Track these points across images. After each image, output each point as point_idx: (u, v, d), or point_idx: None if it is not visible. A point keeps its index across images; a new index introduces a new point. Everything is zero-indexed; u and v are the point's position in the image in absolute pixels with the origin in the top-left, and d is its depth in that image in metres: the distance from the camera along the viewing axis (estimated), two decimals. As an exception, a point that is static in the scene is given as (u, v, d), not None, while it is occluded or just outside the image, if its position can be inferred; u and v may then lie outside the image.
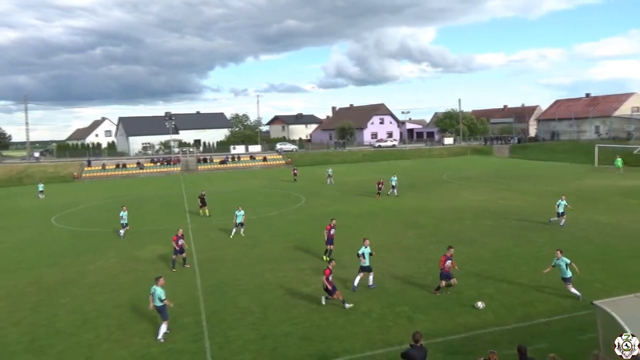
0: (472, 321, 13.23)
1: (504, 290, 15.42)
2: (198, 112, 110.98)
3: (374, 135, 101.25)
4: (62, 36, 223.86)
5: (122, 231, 25.92)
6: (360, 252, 16.11)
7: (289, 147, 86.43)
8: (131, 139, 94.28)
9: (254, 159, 76.36)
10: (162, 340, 12.68)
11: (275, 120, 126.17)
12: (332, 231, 19.89)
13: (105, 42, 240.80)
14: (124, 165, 70.36)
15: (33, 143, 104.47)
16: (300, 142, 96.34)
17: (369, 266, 16.07)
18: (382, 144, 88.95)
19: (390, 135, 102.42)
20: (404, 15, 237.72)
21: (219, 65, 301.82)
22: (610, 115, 74.44)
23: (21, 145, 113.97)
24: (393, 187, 36.04)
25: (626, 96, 78.45)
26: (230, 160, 74.84)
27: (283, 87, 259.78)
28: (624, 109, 75.18)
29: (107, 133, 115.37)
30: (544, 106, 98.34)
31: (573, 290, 14.31)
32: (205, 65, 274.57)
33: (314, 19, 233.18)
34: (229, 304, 15.16)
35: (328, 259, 17.59)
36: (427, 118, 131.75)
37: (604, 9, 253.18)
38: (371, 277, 16.23)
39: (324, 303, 14.73)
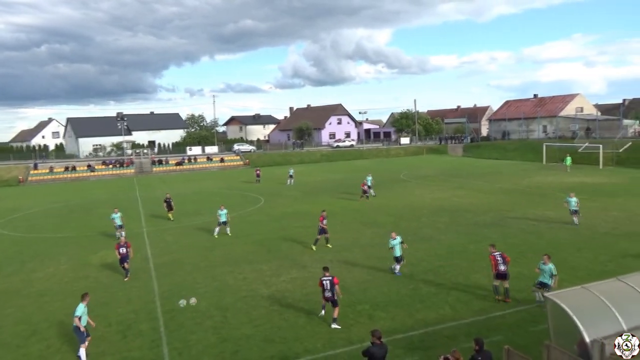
0: (430, 317, 13.51)
1: (460, 285, 15.84)
2: (152, 113, 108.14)
3: (332, 136, 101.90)
4: (4, 33, 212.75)
5: (117, 233, 24.19)
6: (390, 245, 17.18)
7: (246, 147, 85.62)
8: (81, 140, 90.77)
9: (211, 160, 75.15)
10: None
11: (232, 120, 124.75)
12: (325, 222, 21.41)
13: (52, 39, 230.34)
14: (74, 168, 67.61)
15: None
16: (258, 143, 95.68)
17: (401, 256, 17.20)
18: (340, 144, 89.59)
19: (348, 135, 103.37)
20: (361, 16, 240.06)
21: (173, 65, 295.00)
22: (557, 115, 77.91)
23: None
24: (369, 187, 35.59)
25: (571, 97, 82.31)
26: (186, 161, 73.35)
27: (240, 87, 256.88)
28: (569, 109, 78.87)
29: (55, 134, 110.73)
30: (495, 106, 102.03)
31: (539, 296, 13.73)
32: (160, 65, 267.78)
33: (271, 19, 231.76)
34: (187, 309, 14.79)
35: (315, 248, 20.59)
36: (384, 118, 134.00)
37: (548, 13, 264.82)
38: (398, 266, 17.29)
39: (323, 314, 13.86)
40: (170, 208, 30.32)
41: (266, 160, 73.78)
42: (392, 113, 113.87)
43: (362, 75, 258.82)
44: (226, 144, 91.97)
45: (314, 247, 21.17)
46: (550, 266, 13.73)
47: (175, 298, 15.78)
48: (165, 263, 20.26)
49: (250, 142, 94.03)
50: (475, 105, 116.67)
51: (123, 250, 18.28)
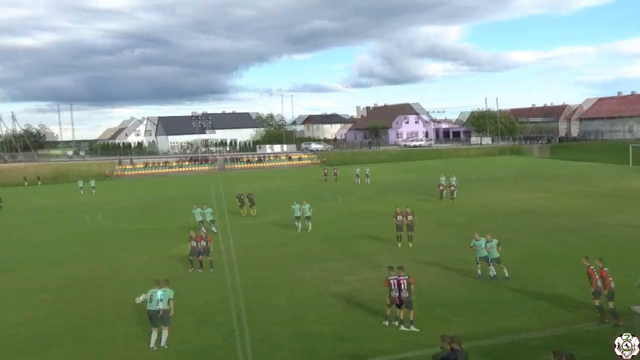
0: (511, 325, 12.78)
1: (544, 293, 14.89)
2: (230, 112, 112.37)
3: (402, 135, 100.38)
4: (99, 39, 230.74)
5: (203, 229, 24.54)
6: (472, 244, 16.67)
7: (317, 146, 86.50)
8: (165, 138, 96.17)
9: (283, 158, 76.74)
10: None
11: (306, 120, 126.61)
12: (409, 217, 21.17)
13: (141, 44, 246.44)
14: (157, 164, 71.80)
15: (68, 142, 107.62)
16: (330, 142, 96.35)
17: (498, 257, 16.14)
18: (412, 143, 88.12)
19: (416, 134, 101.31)
20: (433, 13, 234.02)
21: (249, 65, 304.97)
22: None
23: (60, 145, 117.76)
24: (453, 187, 33.66)
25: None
26: (260, 159, 75.44)
27: (312, 86, 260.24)
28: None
29: (143, 132, 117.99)
30: (575, 105, 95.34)
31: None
32: (236, 66, 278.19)
33: (340, 18, 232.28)
34: (262, 302, 15.14)
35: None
36: (456, 117, 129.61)
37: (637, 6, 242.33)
38: (491, 267, 16.32)
39: (386, 324, 13.11)
40: (252, 203, 31.10)
41: (338, 159, 74.08)
42: (471, 112, 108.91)
43: (435, 73, 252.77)
44: (298, 142, 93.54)
45: (399, 245, 21.23)
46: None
47: (251, 292, 16.24)
48: (241, 257, 20.87)
49: (320, 141, 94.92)
50: (552, 103, 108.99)
51: (194, 243, 18.86)
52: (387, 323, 12.99)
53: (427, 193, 36.10)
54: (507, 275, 16.02)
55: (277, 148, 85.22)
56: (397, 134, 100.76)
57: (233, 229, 26.95)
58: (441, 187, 33.61)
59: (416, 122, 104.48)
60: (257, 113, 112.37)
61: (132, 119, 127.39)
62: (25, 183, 61.83)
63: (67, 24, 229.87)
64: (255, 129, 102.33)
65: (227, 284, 17.34)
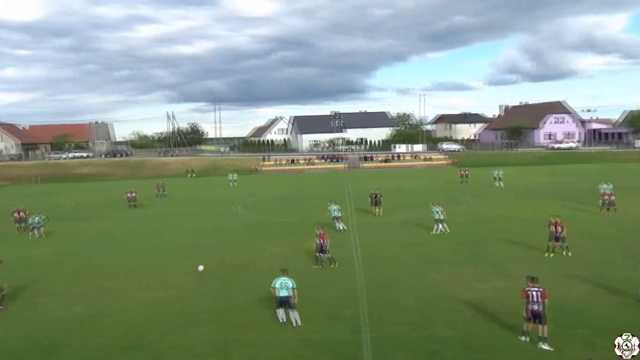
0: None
1: None
2: (363, 111, 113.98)
3: (549, 136, 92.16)
4: (247, 44, 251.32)
5: (337, 224, 26.66)
6: None
7: (453, 146, 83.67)
8: (302, 136, 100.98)
9: (417, 158, 75.71)
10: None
11: (440, 119, 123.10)
12: (559, 229, 19.86)
13: (283, 47, 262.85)
14: (295, 161, 75.86)
15: (221, 139, 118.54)
16: (466, 142, 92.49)
17: None
18: (559, 145, 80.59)
19: (568, 136, 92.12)
20: (589, 2, 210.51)
21: (384, 65, 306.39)
22: None
23: (210, 141, 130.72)
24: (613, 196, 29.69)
25: None
26: (392, 158, 75.41)
27: (448, 85, 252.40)
28: None
29: (282, 131, 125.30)
30: None
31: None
32: (371, 66, 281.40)
33: (483, 13, 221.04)
34: (388, 301, 15.35)
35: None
36: (617, 117, 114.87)
37: None
38: None
39: (523, 339, 12.14)
40: (378, 203, 31.33)
41: (473, 161, 70.92)
42: (630, 110, 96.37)
43: (589, 68, 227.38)
44: (432, 142, 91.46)
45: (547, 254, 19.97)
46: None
47: (378, 290, 16.54)
48: (370, 255, 21.29)
49: (457, 141, 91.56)
50: None
51: (319, 241, 19.69)
52: (523, 338, 12.19)
53: (574, 200, 32.89)
54: None
55: (410, 147, 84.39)
56: (545, 135, 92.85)
57: (363, 227, 27.51)
58: (605, 197, 29.80)
59: (567, 122, 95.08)
60: (389, 112, 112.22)
61: (278, 118, 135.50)
62: (190, 174, 69.42)
63: (223, 32, 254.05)
64: (390, 128, 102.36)
65: (355, 280, 17.86)
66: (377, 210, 31.23)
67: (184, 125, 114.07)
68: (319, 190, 46.78)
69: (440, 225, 25.13)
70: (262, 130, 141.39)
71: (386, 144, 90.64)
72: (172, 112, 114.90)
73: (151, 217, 34.35)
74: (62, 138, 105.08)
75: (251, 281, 18.14)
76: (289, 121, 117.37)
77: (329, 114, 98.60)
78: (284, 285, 13.77)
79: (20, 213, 29.82)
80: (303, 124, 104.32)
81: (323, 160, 76.49)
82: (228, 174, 59.29)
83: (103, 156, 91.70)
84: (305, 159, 76.66)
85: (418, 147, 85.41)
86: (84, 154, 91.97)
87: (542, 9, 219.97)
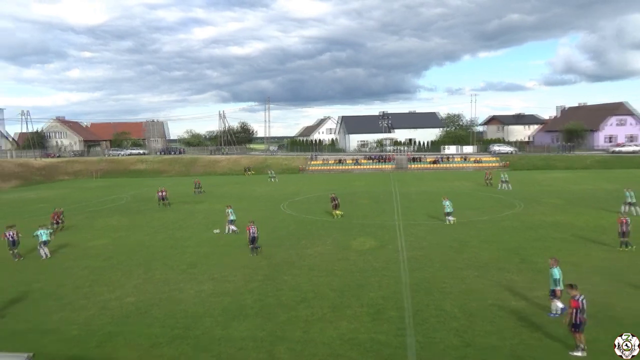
0: None
1: None
2: (412, 112, 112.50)
3: (610, 139, 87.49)
4: (297, 45, 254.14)
5: (449, 218, 28.07)
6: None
7: (505, 148, 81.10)
8: (350, 136, 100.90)
9: (467, 160, 73.96)
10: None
11: (492, 120, 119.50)
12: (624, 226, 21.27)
13: (332, 48, 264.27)
14: (342, 161, 75.94)
15: (271, 138, 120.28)
16: (519, 144, 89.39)
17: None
18: (621, 149, 76.40)
19: (631, 139, 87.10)
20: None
21: (434, 65, 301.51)
22: None
23: (260, 140, 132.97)
24: None
25: None
26: (441, 160, 74.03)
27: (501, 85, 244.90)
28: None
29: (329, 131, 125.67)
30: None
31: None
32: (421, 65, 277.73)
33: (539, 10, 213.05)
34: (432, 305, 15.16)
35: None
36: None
37: None
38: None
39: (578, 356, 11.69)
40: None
41: (526, 164, 68.53)
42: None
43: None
44: (483, 144, 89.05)
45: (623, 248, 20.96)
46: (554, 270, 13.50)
47: (422, 293, 16.35)
48: (415, 257, 21.06)
49: (510, 143, 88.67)
50: None
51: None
52: (580, 354, 11.58)
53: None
54: None
55: (460, 149, 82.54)
56: (605, 138, 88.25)
57: (410, 228, 27.23)
58: None
59: (630, 124, 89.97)
60: (438, 113, 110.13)
61: (327, 117, 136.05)
62: (249, 173, 70.90)
63: (274, 33, 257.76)
64: (440, 128, 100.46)
65: (401, 281, 17.73)
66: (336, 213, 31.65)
67: (234, 124, 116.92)
68: (366, 191, 46.66)
69: (450, 217, 28.22)
70: (310, 129, 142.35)
71: (435, 145, 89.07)
72: (223, 111, 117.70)
73: (200, 212, 35.35)
74: (120, 135, 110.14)
75: (296, 279, 18.36)
76: (337, 121, 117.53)
77: (377, 114, 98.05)
78: None
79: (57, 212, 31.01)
80: (351, 124, 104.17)
81: (370, 161, 76.13)
82: (268, 170, 62.96)
83: (158, 154, 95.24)
84: (352, 159, 76.56)
85: (468, 149, 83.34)
86: (140, 151, 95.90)
87: (602, 6, 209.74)
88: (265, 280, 18.36)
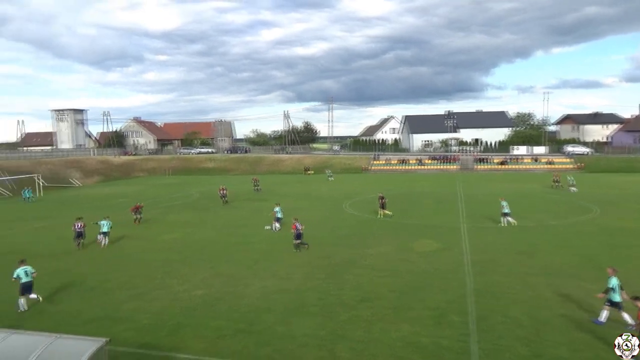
0: None
1: None
2: (479, 111, 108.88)
3: None
4: (361, 44, 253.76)
5: (505, 218, 27.82)
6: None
7: (580, 149, 76.50)
8: (414, 136, 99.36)
9: (538, 161, 70.53)
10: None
11: (566, 119, 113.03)
12: None
13: (397, 46, 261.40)
14: (406, 161, 74.92)
15: (333, 138, 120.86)
16: (596, 145, 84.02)
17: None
18: None
19: None
20: None
21: (504, 62, 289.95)
22: None
23: (323, 140, 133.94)
24: None
25: None
26: (510, 161, 71.09)
27: (576, 82, 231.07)
28: None
29: (393, 130, 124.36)
30: None
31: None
32: (490, 63, 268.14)
33: (620, 2, 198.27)
34: (499, 312, 14.62)
35: None
36: None
37: None
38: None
39: None
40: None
41: (603, 165, 64.31)
42: None
43: None
44: (556, 144, 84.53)
45: None
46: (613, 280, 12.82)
47: (487, 298, 15.82)
48: (481, 261, 20.39)
49: (584, 144, 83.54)
50: None
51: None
52: None
53: None
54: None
55: (530, 149, 78.85)
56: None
57: (475, 231, 26.41)
58: None
59: None
60: (507, 112, 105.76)
61: (390, 117, 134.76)
62: (309, 172, 71.98)
63: (338, 32, 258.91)
64: (509, 128, 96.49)
65: (465, 285, 17.25)
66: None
67: (298, 124, 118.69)
68: (429, 192, 45.75)
69: (508, 219, 27.56)
70: (373, 129, 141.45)
71: (503, 146, 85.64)
72: (287, 111, 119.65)
73: (265, 210, 36.12)
74: (191, 135, 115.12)
75: (357, 279, 18.36)
76: (401, 120, 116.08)
77: (442, 113, 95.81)
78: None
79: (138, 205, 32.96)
80: (415, 123, 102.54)
81: (434, 161, 74.54)
82: (326, 170, 64.49)
83: (225, 152, 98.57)
84: (416, 159, 75.33)
85: (539, 150, 79.42)
86: (208, 150, 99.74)
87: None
88: (327, 278, 18.49)
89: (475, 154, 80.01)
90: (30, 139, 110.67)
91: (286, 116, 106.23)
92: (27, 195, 48.34)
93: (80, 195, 53.13)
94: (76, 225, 25.24)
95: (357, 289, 17.13)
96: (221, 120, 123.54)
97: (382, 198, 32.71)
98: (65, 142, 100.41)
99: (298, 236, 23.14)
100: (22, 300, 16.00)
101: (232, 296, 16.82)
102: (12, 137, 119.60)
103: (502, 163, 70.53)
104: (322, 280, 18.36)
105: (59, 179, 64.50)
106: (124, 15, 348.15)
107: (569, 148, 77.25)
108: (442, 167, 72.19)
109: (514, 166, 69.59)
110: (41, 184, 55.93)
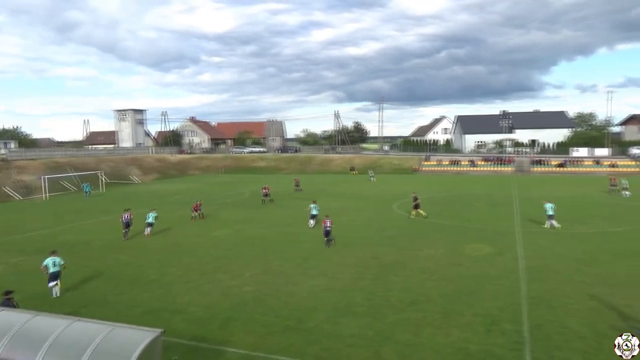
0: None
1: None
2: (536, 111, 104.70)
3: None
4: (413, 43, 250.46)
5: (552, 222, 27.19)
6: None
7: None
8: (466, 136, 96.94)
9: (599, 164, 66.98)
10: None
11: (631, 119, 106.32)
12: None
13: (450, 45, 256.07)
14: (458, 162, 73.24)
15: (384, 138, 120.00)
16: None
17: None
18: None
19: None
20: None
21: (563, 60, 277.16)
22: None
23: (373, 140, 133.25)
24: None
25: None
26: (569, 163, 67.94)
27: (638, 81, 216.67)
28: None
29: (445, 131, 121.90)
30: None
31: None
32: (549, 61, 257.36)
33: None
34: (554, 321, 14.02)
35: None
36: None
37: None
38: None
39: None
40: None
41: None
42: None
43: None
44: (620, 146, 79.96)
45: None
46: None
47: (543, 307, 15.21)
48: (536, 267, 19.63)
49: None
50: None
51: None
52: None
53: None
54: None
55: (591, 151, 74.99)
56: None
57: (531, 236, 25.45)
58: None
59: None
60: (566, 112, 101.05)
61: (442, 117, 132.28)
62: (354, 172, 71.99)
63: (390, 32, 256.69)
64: (568, 129, 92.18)
65: (519, 292, 16.67)
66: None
67: (349, 123, 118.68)
68: (482, 194, 44.49)
69: (552, 221, 27.01)
70: (424, 129, 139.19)
71: (562, 147, 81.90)
72: (337, 111, 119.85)
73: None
74: (243, 134, 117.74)
75: (406, 281, 18.16)
76: (453, 120, 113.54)
77: (496, 113, 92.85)
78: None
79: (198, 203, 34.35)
80: (467, 124, 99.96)
81: (488, 162, 72.36)
82: (369, 170, 64.75)
83: (276, 152, 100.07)
84: (468, 160, 73.43)
85: (602, 152, 75.44)
86: (259, 149, 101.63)
87: None
88: (375, 279, 18.41)
89: (531, 155, 77.02)
90: (95, 138, 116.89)
91: (336, 116, 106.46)
92: (86, 190, 51.10)
93: (138, 191, 55.57)
94: (124, 216, 27.08)
95: (405, 291, 16.94)
96: (273, 120, 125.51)
97: (416, 199, 32.64)
98: (126, 140, 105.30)
99: (327, 233, 24.09)
100: (52, 284, 17.27)
101: (281, 293, 17.07)
102: (79, 135, 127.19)
103: (560, 165, 67.52)
104: (370, 280, 18.29)
105: (119, 175, 67.73)
106: (181, 19, 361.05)
107: (634, 150, 72.86)
108: (495, 168, 70.01)
109: (573, 169, 66.47)
110: (103, 180, 58.96)
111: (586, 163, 68.15)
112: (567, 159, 70.87)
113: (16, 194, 50.16)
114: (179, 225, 30.84)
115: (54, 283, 17.28)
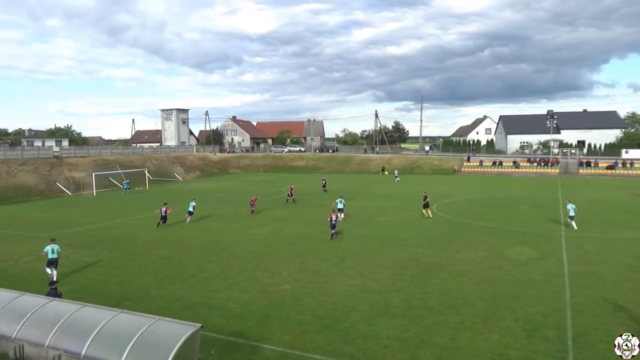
0: None
1: None
2: (585, 111, 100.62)
3: None
4: (456, 42, 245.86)
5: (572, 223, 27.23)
6: None
7: None
8: (509, 137, 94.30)
9: (653, 166, 63.70)
10: None
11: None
12: None
13: (494, 43, 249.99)
14: (500, 163, 71.37)
15: (424, 138, 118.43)
16: None
17: None
18: None
19: None
20: None
21: (615, 57, 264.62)
22: None
23: (413, 140, 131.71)
24: None
25: None
26: (620, 165, 64.93)
27: None
28: None
29: (487, 131, 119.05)
30: None
31: None
32: (599, 59, 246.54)
33: None
34: (601, 329, 13.47)
35: None
36: None
37: None
38: None
39: None
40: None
41: None
42: None
43: None
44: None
45: None
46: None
47: (588, 313, 14.65)
48: (582, 273, 18.91)
49: None
50: None
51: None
52: None
53: None
54: None
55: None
56: None
57: (576, 240, 24.52)
58: None
59: None
60: (630, 112, 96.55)
61: (484, 117, 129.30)
62: (384, 173, 71.72)
63: (432, 30, 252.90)
64: (620, 129, 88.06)
65: (564, 298, 16.10)
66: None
67: (389, 123, 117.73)
68: (526, 196, 43.18)
69: (573, 222, 27.28)
70: (466, 129, 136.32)
71: (612, 148, 78.35)
72: (377, 110, 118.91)
73: (352, 209, 36.30)
74: (283, 134, 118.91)
75: (445, 283, 17.88)
76: (497, 120, 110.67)
77: (541, 113, 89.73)
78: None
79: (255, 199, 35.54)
80: (511, 124, 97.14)
81: (532, 164, 70.13)
82: (394, 171, 65.95)
83: (315, 151, 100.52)
84: (511, 161, 71.40)
85: (657, 153, 71.66)
86: (298, 149, 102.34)
87: None
88: (413, 281, 18.22)
89: (579, 156, 74.10)
90: (141, 136, 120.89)
91: (376, 116, 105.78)
92: (126, 187, 52.90)
93: (181, 188, 57.07)
94: (162, 209, 30.08)
95: (444, 294, 16.69)
96: (312, 120, 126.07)
97: (426, 197, 32.90)
98: (170, 139, 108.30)
99: (333, 226, 25.81)
100: (48, 270, 18.92)
101: (318, 292, 17.15)
102: (126, 134, 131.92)
103: (610, 167, 64.62)
104: (408, 282, 18.12)
105: (163, 173, 69.78)
106: (225, 20, 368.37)
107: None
108: (540, 170, 67.76)
109: (624, 171, 63.48)
110: (148, 177, 60.90)
111: (638, 165, 64.97)
112: (617, 160, 67.76)
113: (67, 190, 52.60)
114: (219, 223, 31.48)
115: (50, 270, 18.81)
